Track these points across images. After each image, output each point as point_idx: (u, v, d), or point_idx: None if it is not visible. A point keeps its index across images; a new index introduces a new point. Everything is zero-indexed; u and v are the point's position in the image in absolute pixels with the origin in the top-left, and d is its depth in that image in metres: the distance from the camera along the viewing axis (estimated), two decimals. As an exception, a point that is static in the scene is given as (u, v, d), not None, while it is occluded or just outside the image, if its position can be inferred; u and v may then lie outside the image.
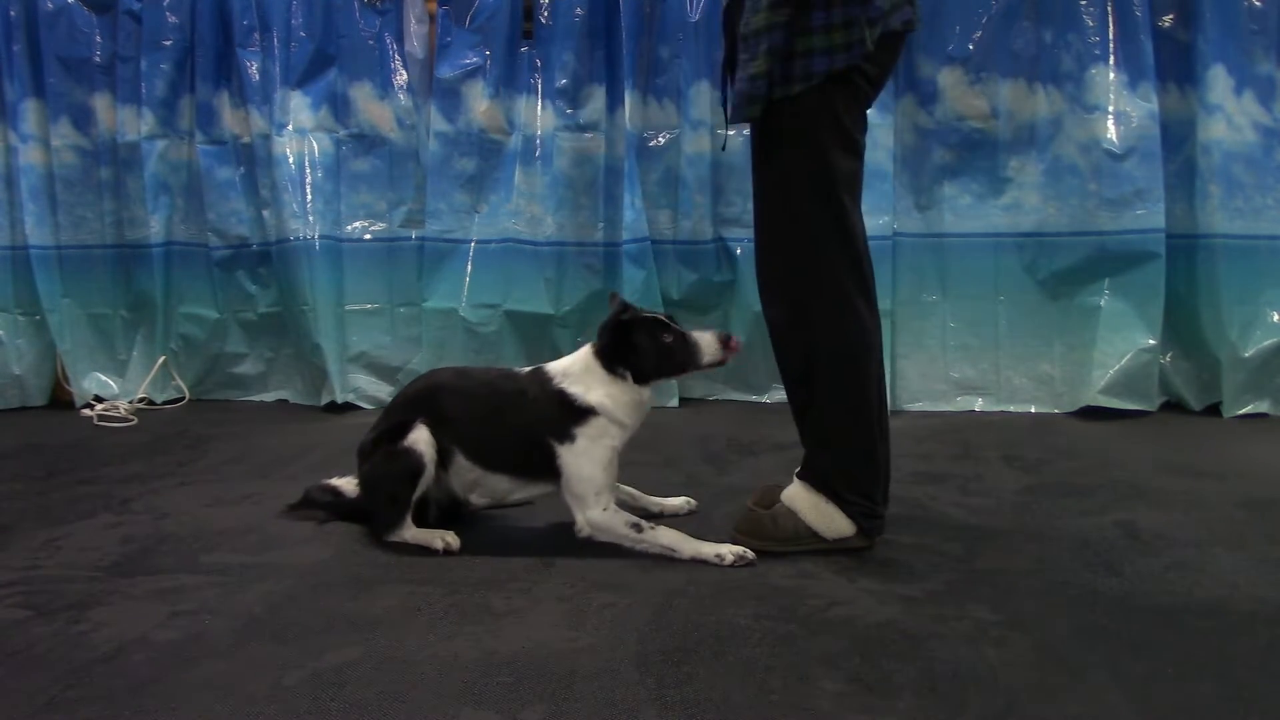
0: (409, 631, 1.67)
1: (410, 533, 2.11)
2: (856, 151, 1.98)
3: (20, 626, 1.73)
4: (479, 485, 2.21)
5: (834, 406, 1.98)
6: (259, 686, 1.48)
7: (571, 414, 2.06)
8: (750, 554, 1.96)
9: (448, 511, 2.24)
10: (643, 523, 2.05)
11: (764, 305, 2.05)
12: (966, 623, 1.65)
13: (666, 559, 1.99)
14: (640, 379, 2.08)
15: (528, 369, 2.20)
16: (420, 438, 2.09)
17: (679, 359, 2.08)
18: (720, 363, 2.09)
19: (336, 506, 2.32)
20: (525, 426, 2.09)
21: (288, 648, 1.62)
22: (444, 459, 2.14)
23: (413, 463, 2.08)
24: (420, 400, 2.18)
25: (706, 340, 2.08)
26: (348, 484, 2.33)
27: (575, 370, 2.10)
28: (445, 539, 2.08)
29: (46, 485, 2.75)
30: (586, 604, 1.77)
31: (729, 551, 1.97)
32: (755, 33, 1.85)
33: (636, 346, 2.06)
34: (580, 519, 2.07)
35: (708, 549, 1.98)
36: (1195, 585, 1.80)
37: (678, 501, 2.33)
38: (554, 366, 2.14)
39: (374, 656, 1.58)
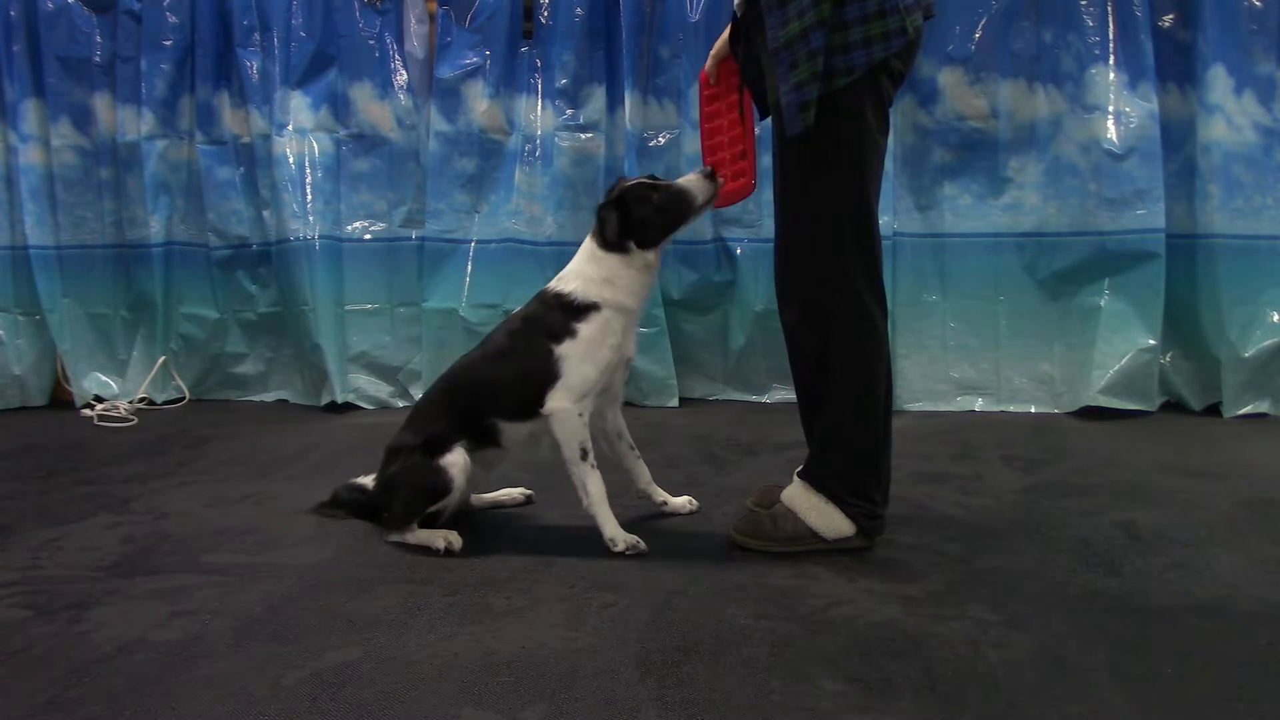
0: (409, 631, 1.67)
1: (413, 534, 2.11)
2: (881, 154, 1.97)
3: (20, 626, 1.74)
4: (535, 444, 2.18)
5: (843, 408, 1.98)
6: (259, 686, 1.48)
7: (573, 313, 2.06)
8: (642, 545, 2.02)
9: (454, 514, 2.24)
10: (591, 455, 2.07)
11: (780, 307, 2.04)
12: (966, 623, 1.65)
13: (665, 558, 1.99)
14: (645, 244, 2.09)
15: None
16: (456, 461, 2.09)
17: (675, 210, 2.09)
18: (712, 197, 2.11)
19: (362, 505, 2.31)
20: (531, 346, 2.09)
21: (288, 648, 1.62)
22: (494, 437, 2.15)
23: (440, 483, 2.08)
24: (447, 403, 2.18)
25: (693, 181, 2.10)
26: (374, 482, 2.33)
27: (574, 269, 2.12)
28: (447, 538, 2.08)
29: (46, 485, 2.75)
30: (586, 604, 1.77)
31: (623, 540, 2.03)
32: (790, 42, 1.82)
33: (633, 217, 2.06)
34: (551, 403, 2.05)
35: (609, 527, 2.04)
36: (1195, 585, 1.80)
37: (681, 500, 2.34)
38: (559, 276, 2.14)
39: (374, 656, 1.58)
